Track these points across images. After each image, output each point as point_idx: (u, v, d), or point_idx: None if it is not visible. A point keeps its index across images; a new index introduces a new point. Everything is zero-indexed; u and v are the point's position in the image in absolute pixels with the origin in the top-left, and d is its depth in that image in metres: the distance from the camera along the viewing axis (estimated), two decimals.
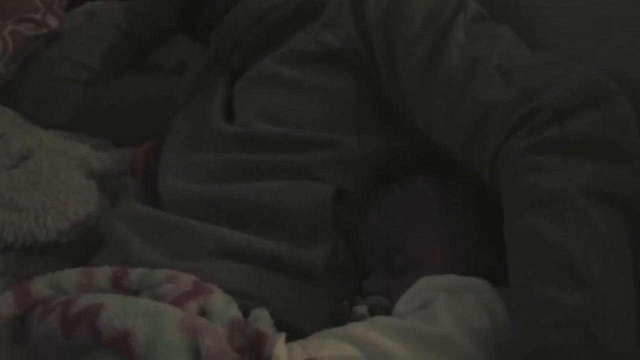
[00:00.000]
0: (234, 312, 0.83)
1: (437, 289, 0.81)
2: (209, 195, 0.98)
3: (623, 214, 0.80)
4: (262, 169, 0.97)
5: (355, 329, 0.78)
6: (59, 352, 0.81)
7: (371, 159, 0.98)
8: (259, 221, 0.94)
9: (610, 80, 0.87)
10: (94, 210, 1.08)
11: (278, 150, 0.98)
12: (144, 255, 0.94)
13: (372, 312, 0.87)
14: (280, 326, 0.83)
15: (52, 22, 1.25)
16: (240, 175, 0.98)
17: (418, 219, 0.91)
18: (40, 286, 0.85)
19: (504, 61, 0.89)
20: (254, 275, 0.90)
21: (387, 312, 0.86)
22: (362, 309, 0.88)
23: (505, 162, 0.85)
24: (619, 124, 0.83)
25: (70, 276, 0.86)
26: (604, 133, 0.82)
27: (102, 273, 0.88)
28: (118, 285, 0.87)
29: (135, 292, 0.87)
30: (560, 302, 0.73)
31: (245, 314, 0.84)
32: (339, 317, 0.89)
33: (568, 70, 0.87)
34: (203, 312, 0.82)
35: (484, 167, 0.88)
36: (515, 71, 0.88)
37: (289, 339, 0.78)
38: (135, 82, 1.27)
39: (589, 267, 0.75)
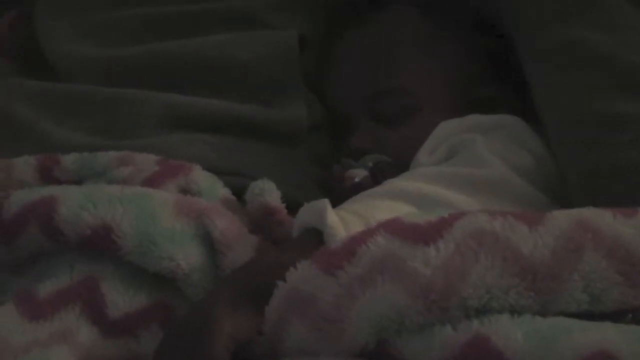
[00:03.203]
0: (222, 190, 0.69)
1: (466, 130, 0.70)
2: (134, 59, 0.80)
3: None
4: (197, 21, 0.82)
5: (403, 183, 0.64)
6: None
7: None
8: (207, 81, 0.78)
9: None
10: None
11: None
12: (66, 138, 0.75)
13: (375, 173, 0.73)
14: None
15: None
16: (171, 31, 0.81)
17: (408, 55, 0.80)
18: None
19: None
20: (222, 144, 0.74)
21: (394, 168, 0.72)
22: (359, 171, 0.74)
23: None
24: None
25: None
26: None
27: (24, 164, 0.71)
28: (48, 177, 0.70)
29: (76, 184, 0.68)
30: (635, 116, 0.66)
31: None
32: (331, 184, 0.74)
33: None
34: (185, 194, 0.65)
35: None
36: None
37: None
38: None
39: None
